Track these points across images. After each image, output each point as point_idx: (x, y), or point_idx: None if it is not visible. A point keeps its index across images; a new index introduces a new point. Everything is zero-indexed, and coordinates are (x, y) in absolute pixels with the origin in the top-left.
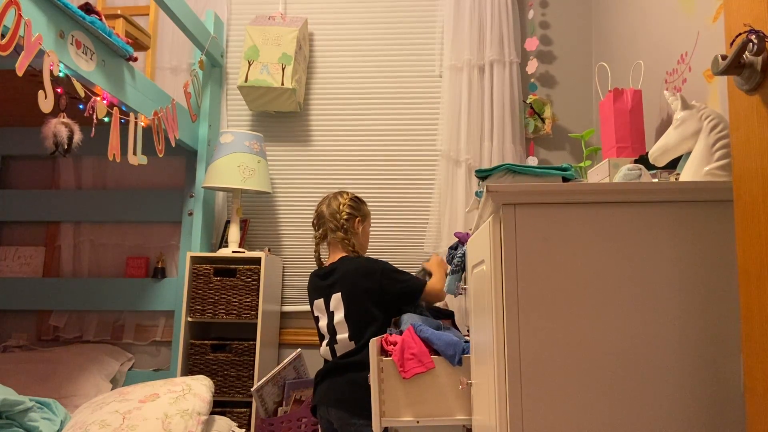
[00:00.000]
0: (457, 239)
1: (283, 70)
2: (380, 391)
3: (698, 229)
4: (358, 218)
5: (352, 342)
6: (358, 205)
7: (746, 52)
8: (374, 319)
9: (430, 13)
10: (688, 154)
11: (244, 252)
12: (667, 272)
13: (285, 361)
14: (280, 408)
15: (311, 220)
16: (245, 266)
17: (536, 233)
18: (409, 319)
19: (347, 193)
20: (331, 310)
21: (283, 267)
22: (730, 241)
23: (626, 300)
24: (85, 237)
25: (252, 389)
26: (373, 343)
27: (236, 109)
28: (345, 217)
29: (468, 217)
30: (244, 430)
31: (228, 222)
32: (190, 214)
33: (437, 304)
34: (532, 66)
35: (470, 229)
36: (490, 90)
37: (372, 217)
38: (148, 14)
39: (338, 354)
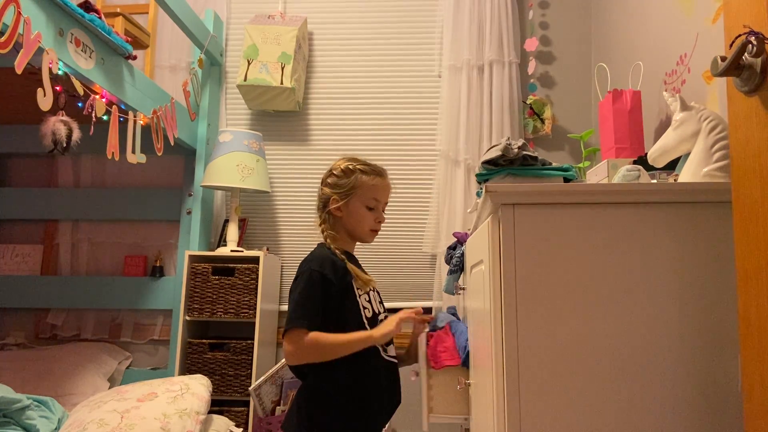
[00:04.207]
0: (456, 239)
1: (282, 69)
2: (429, 386)
3: (697, 230)
4: (334, 197)
5: None
6: (342, 177)
7: (746, 54)
8: None
9: (429, 12)
10: (687, 155)
11: (242, 251)
12: (666, 273)
13: (283, 360)
14: (278, 407)
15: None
16: (243, 265)
17: (535, 233)
18: (445, 318)
19: (343, 160)
20: None
21: (282, 266)
22: (729, 242)
23: (624, 300)
24: (84, 235)
25: (250, 388)
26: (422, 339)
27: (235, 108)
28: (324, 195)
29: (467, 217)
30: (241, 429)
31: (226, 221)
32: (189, 212)
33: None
34: (532, 66)
35: (469, 229)
36: (489, 90)
37: None
38: (147, 12)
39: None
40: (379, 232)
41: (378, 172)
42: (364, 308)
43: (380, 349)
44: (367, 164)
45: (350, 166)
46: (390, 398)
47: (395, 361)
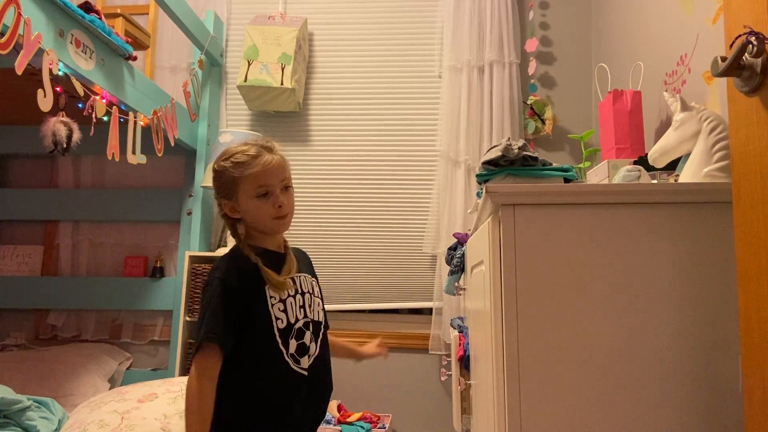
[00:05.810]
0: (456, 240)
1: (282, 69)
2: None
3: (697, 231)
4: (222, 201)
5: None
6: (217, 180)
7: (746, 54)
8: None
9: (430, 13)
10: (688, 155)
11: None
12: (666, 274)
13: None
14: None
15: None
16: None
17: (535, 234)
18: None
19: (215, 161)
20: None
21: None
22: (729, 243)
23: (625, 301)
24: (84, 236)
25: None
26: (454, 340)
27: (235, 108)
28: (216, 202)
29: (467, 217)
30: None
31: None
32: (189, 213)
33: None
34: (532, 67)
35: (469, 230)
36: (489, 91)
37: (370, 217)
38: (147, 13)
39: None
40: (380, 233)
41: (253, 155)
42: (277, 319)
43: (289, 360)
44: (238, 152)
45: (217, 167)
46: (306, 409)
47: (305, 374)
